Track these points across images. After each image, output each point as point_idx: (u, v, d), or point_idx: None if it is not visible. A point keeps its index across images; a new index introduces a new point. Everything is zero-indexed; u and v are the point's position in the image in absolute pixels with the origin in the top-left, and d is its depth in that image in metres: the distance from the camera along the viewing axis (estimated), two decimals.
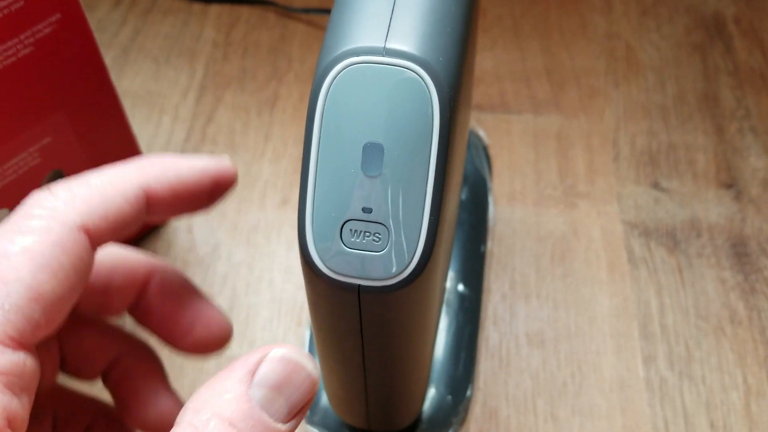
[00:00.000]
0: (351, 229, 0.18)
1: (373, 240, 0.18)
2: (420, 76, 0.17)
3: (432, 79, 0.17)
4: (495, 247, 0.40)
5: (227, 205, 0.43)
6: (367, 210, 0.18)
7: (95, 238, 0.18)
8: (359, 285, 0.18)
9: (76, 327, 0.21)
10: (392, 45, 0.17)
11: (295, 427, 0.17)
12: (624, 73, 0.49)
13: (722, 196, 0.43)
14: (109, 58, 0.50)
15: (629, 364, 0.36)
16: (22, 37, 0.29)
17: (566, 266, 0.40)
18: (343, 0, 0.19)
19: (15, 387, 0.16)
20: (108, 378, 0.22)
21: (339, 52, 0.18)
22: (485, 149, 0.43)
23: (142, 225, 0.20)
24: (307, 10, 0.52)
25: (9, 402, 0.15)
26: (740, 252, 0.40)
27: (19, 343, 0.16)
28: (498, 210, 0.42)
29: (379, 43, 0.17)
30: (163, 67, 0.50)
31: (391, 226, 0.18)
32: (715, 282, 0.39)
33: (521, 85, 0.48)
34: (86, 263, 0.18)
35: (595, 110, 0.47)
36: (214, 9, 0.53)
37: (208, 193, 0.20)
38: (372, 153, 0.17)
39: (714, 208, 0.42)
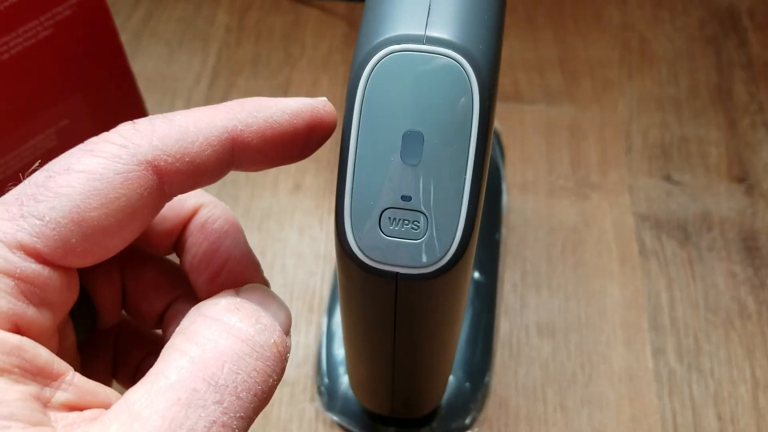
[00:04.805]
0: (390, 217, 0.18)
1: (412, 228, 0.18)
2: (460, 64, 0.17)
3: (472, 66, 0.17)
4: (507, 237, 0.41)
5: (240, 190, 0.43)
6: (406, 198, 0.18)
7: (167, 177, 0.17)
8: (397, 273, 0.18)
9: (137, 263, 0.21)
10: (433, 33, 0.17)
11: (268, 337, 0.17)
12: (638, 64, 0.49)
13: (734, 190, 0.43)
14: (121, 39, 0.50)
15: (639, 356, 0.37)
16: (42, 18, 0.29)
17: (577, 257, 0.40)
18: None
19: (34, 297, 0.16)
20: (162, 319, 0.21)
21: (379, 40, 0.17)
22: (498, 136, 0.43)
23: (227, 172, 0.18)
24: None
25: (21, 308, 0.16)
26: (751, 246, 0.41)
27: (46, 259, 0.16)
28: (510, 200, 0.42)
29: (419, 31, 0.17)
30: (176, 51, 0.49)
31: (430, 214, 0.18)
32: (725, 276, 0.39)
33: (534, 74, 0.48)
34: (147, 202, 0.17)
35: (609, 102, 0.47)
36: None
37: (302, 141, 0.18)
38: (412, 141, 0.17)
39: (725, 202, 0.42)
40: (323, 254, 0.40)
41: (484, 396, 0.35)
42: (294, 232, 0.41)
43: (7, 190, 0.17)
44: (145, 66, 0.49)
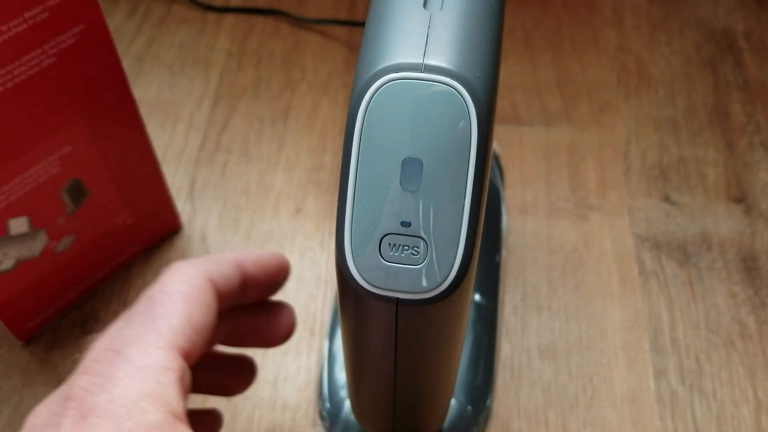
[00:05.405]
0: (390, 243, 0.18)
1: (412, 254, 0.18)
2: (458, 92, 0.17)
3: (470, 94, 0.17)
4: (507, 259, 0.41)
5: (241, 214, 0.43)
6: (405, 224, 0.18)
7: (217, 289, 0.24)
8: (398, 298, 0.18)
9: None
10: (431, 61, 0.18)
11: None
12: (635, 86, 0.49)
13: (732, 210, 0.43)
14: (123, 67, 0.50)
15: (640, 377, 0.37)
16: (45, 47, 0.29)
17: (578, 279, 0.40)
18: (377, 16, 0.19)
19: (183, 388, 0.21)
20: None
21: (378, 68, 0.18)
22: (497, 159, 0.43)
23: (238, 296, 0.26)
24: (320, 21, 0.52)
25: (183, 399, 0.20)
26: (750, 266, 0.41)
27: (184, 354, 0.21)
28: (510, 222, 0.42)
29: (417, 60, 0.18)
30: (177, 76, 0.50)
31: (430, 240, 0.18)
32: (725, 296, 0.40)
33: (533, 97, 0.49)
34: (214, 304, 0.23)
35: (607, 123, 0.47)
36: (229, 19, 0.53)
37: (275, 277, 0.27)
38: (411, 167, 0.18)
39: (724, 222, 0.42)
40: (324, 277, 0.40)
41: (486, 419, 0.35)
42: (295, 256, 0.41)
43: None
44: (147, 91, 0.49)
